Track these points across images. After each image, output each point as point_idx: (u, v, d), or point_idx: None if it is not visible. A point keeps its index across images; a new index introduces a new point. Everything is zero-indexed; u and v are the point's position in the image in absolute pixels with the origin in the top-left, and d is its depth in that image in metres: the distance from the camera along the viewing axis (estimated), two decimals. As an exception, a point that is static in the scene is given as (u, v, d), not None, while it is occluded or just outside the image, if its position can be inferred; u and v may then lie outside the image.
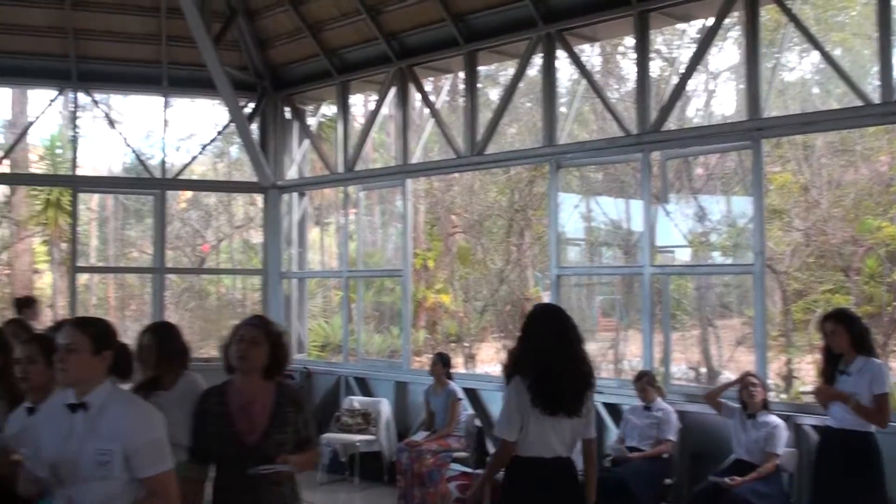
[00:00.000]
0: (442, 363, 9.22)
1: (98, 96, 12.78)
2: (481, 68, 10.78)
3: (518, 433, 4.52)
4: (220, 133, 13.90)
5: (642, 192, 8.72)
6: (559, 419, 4.50)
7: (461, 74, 10.62)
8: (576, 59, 9.46)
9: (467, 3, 9.76)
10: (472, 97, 10.13)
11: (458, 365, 16.66)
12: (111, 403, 3.33)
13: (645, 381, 7.85)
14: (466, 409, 9.27)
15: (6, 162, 14.48)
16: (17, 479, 3.49)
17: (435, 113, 10.92)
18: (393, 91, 10.98)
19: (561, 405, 4.49)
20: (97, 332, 3.41)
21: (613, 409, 8.46)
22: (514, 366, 4.68)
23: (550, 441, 4.53)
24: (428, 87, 11.92)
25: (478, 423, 9.35)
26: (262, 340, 3.92)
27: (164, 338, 5.09)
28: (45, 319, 10.27)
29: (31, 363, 4.13)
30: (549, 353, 4.54)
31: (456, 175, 16.13)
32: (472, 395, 9.67)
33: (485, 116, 10.49)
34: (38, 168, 20.92)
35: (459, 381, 9.40)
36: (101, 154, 25.15)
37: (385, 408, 10.26)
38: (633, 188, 15.39)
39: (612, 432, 8.33)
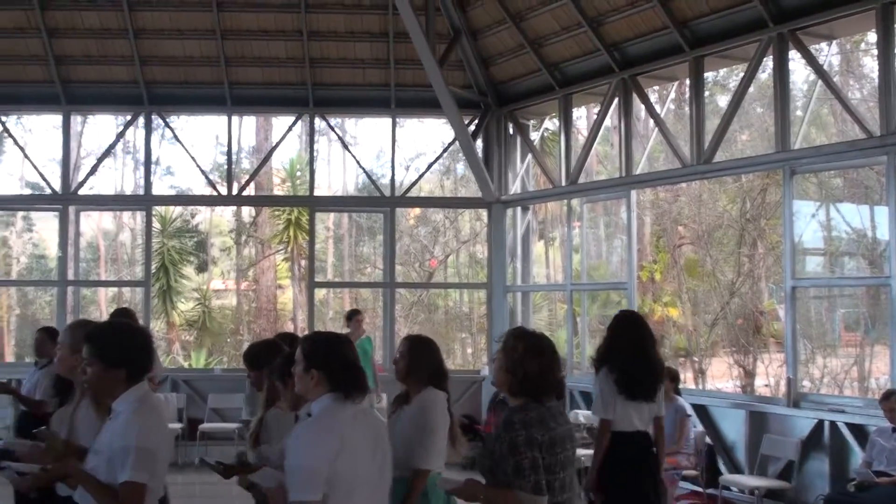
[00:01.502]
0: (670, 378, 8.95)
1: (332, 120, 13.47)
2: (708, 74, 10.43)
3: (612, 413, 5.66)
4: (445, 151, 14.27)
5: (888, 198, 8.10)
6: (639, 403, 5.66)
7: (687, 81, 10.33)
8: (811, 60, 8.97)
9: (692, 9, 9.48)
10: (699, 104, 9.82)
11: (688, 380, 16.14)
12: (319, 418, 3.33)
13: (894, 401, 7.27)
14: (696, 426, 8.96)
15: (252, 185, 15.55)
16: None
17: (659, 122, 10.68)
18: (616, 102, 10.84)
19: (639, 393, 5.66)
20: (308, 348, 3.45)
21: (858, 431, 7.89)
22: (601, 360, 5.83)
23: (632, 419, 5.67)
24: (652, 96, 11.68)
25: (708, 440, 9.02)
26: (499, 358, 3.79)
27: (415, 351, 4.92)
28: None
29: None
30: (629, 352, 5.70)
31: (683, 185, 15.68)
32: (701, 411, 9.35)
33: (713, 123, 10.13)
34: (279, 190, 22.33)
35: (688, 397, 9.09)
36: (335, 175, 26.42)
37: (612, 423, 10.08)
38: (877, 194, 14.36)
39: (857, 455, 7.77)
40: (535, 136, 13.01)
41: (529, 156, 12.54)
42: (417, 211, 23.07)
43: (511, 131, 12.52)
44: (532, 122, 13.02)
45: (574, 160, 11.51)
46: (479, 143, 12.42)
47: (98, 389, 3.52)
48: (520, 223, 12.58)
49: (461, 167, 23.44)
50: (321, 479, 3.13)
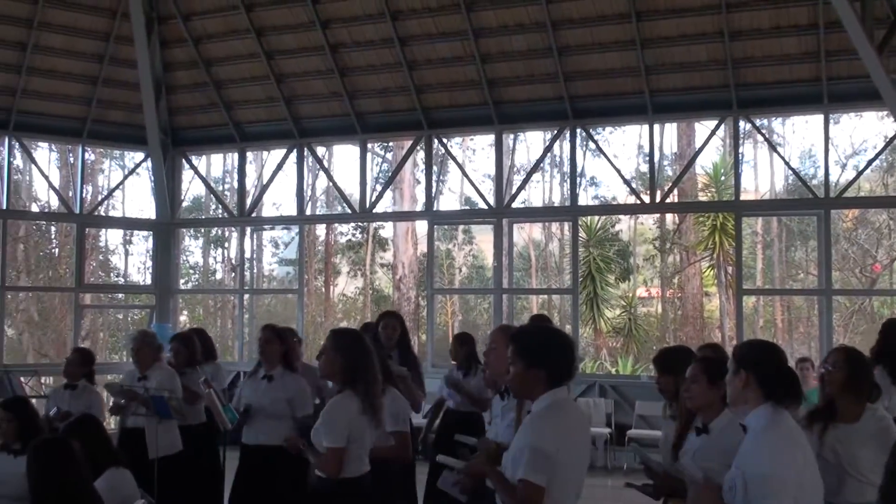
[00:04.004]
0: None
1: (758, 121, 12.92)
2: None
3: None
4: (888, 145, 13.05)
5: None
6: None
7: None
8: None
9: None
10: None
11: None
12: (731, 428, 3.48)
13: None
14: None
15: (675, 191, 15.43)
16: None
17: None
18: None
19: None
20: (741, 351, 3.48)
21: None
22: (874, 360, 5.80)
23: None
24: None
25: None
26: None
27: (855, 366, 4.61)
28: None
29: (694, 382, 4.29)
30: None
31: None
32: None
33: None
34: (703, 196, 21.92)
35: None
36: (763, 177, 25.36)
37: None
38: None
39: None
40: None
41: None
42: (856, 212, 21.35)
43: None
44: None
45: None
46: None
47: (518, 388, 3.66)
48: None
49: (906, 163, 21.34)
50: (789, 490, 3.14)
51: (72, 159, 22.63)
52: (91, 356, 7.64)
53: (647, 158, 13.39)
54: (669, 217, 22.46)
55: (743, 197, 13.15)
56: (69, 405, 7.01)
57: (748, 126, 13.24)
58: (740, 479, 3.20)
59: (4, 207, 14.34)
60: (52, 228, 24.76)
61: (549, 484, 3.33)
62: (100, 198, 19.81)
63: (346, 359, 4.64)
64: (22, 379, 7.91)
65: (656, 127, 12.89)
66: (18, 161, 21.98)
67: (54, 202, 22.27)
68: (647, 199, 13.11)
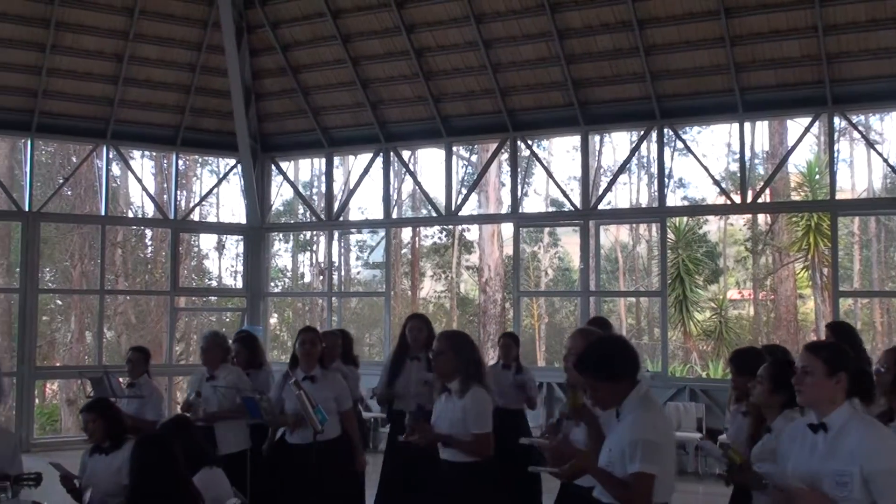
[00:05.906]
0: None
1: (854, 117, 12.52)
2: None
3: None
4: None
5: None
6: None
7: None
8: None
9: None
10: None
11: None
12: (851, 425, 3.30)
13: None
14: None
15: (767, 191, 15.05)
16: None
17: None
18: None
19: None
20: (830, 355, 3.42)
21: None
22: None
23: None
24: None
25: None
26: None
27: None
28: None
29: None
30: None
31: None
32: None
33: None
34: (796, 195, 21.38)
35: None
36: (859, 175, 24.57)
37: None
38: None
39: None
40: None
41: None
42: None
43: None
44: None
45: None
46: None
47: (607, 402, 3.76)
48: None
49: None
50: None
51: (166, 166, 23.31)
52: (149, 354, 8.11)
53: (738, 157, 13.10)
54: (761, 217, 21.95)
55: (839, 196, 12.76)
56: (134, 401, 7.40)
57: (843, 123, 12.85)
58: (857, 476, 3.18)
59: (103, 214, 14.87)
60: (148, 234, 25.54)
61: (659, 472, 3.54)
62: (192, 204, 20.33)
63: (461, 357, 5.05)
64: (121, 379, 8.16)
65: (747, 125, 12.57)
66: (115, 169, 22.72)
67: (149, 208, 22.96)
68: (737, 199, 12.82)
